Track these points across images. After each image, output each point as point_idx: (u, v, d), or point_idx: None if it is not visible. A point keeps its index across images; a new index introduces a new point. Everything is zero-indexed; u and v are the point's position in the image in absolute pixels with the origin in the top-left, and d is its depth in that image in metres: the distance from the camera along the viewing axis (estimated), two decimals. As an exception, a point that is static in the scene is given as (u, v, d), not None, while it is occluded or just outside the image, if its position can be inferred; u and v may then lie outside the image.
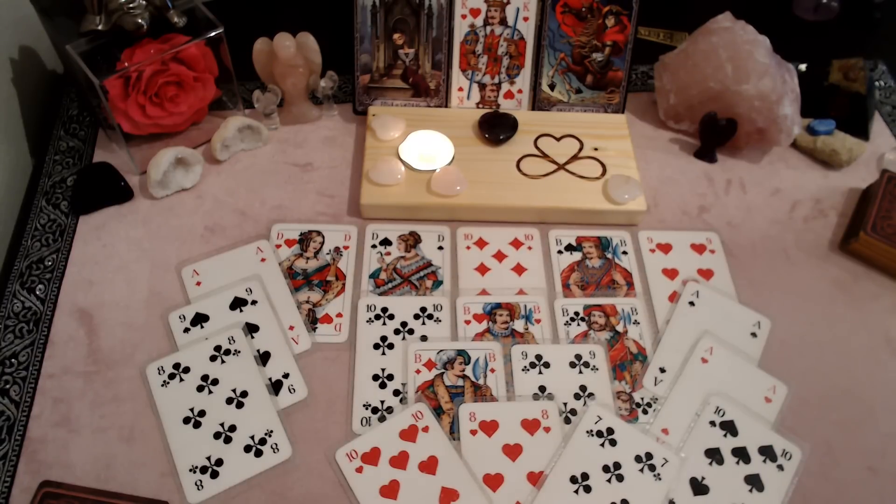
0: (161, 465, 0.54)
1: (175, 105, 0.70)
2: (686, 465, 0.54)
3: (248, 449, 0.54)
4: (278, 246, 0.66)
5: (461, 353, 0.60)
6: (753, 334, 0.62)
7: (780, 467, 0.54)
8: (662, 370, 0.60)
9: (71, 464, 0.53)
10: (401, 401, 0.57)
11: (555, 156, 0.72)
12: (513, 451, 0.54)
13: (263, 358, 0.59)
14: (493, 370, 0.59)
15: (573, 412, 0.57)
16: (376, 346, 0.60)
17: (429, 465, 0.53)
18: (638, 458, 0.54)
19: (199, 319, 0.61)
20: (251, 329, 0.61)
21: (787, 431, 0.56)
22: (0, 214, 0.69)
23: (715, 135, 0.74)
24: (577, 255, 0.67)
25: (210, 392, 0.57)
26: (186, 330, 0.60)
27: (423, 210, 0.68)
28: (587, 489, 0.53)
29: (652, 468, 0.54)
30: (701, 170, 0.75)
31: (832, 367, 0.54)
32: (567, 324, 0.62)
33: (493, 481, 0.53)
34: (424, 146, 0.72)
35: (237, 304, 0.62)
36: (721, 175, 0.74)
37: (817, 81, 0.78)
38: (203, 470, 0.53)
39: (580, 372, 0.59)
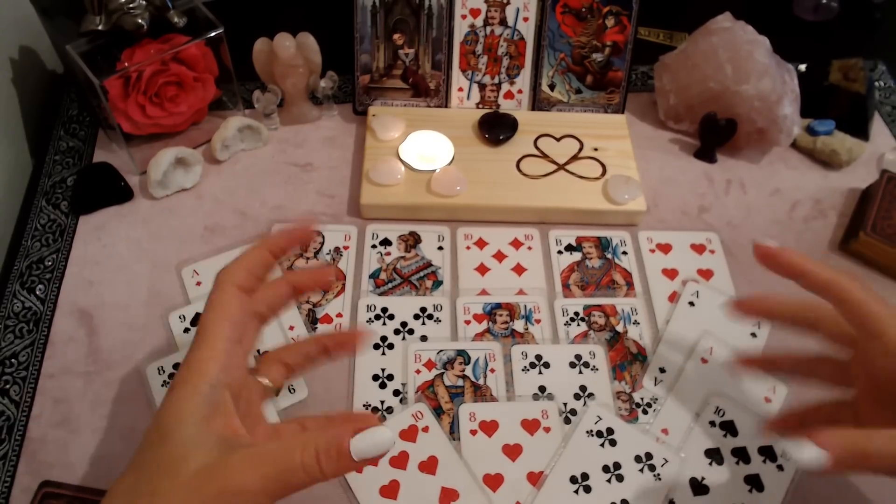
0: (161, 465, 0.53)
1: (175, 105, 0.70)
2: (686, 465, 0.54)
3: (248, 449, 0.54)
4: (278, 246, 0.66)
5: (461, 353, 0.60)
6: (753, 334, 0.62)
7: (780, 467, 0.54)
8: (662, 370, 0.60)
9: (71, 464, 0.53)
10: (401, 401, 0.57)
11: (555, 156, 0.72)
12: (513, 451, 0.54)
13: (263, 358, 0.59)
14: (493, 370, 0.59)
15: (573, 412, 0.57)
16: (376, 346, 0.60)
17: (429, 465, 0.53)
18: (638, 458, 0.54)
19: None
20: (251, 329, 0.60)
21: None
22: (0, 214, 0.70)
23: (715, 135, 0.74)
24: (577, 256, 0.67)
25: (210, 392, 0.56)
26: (186, 330, 0.60)
27: (423, 210, 0.68)
28: (587, 489, 0.53)
29: (652, 468, 0.54)
30: (701, 170, 0.75)
31: (832, 367, 0.54)
32: (567, 324, 0.62)
33: (493, 481, 0.53)
34: (424, 146, 0.72)
35: (237, 304, 0.62)
36: (721, 175, 0.74)
37: (817, 81, 0.78)
38: (203, 470, 0.53)
39: (580, 372, 0.59)
